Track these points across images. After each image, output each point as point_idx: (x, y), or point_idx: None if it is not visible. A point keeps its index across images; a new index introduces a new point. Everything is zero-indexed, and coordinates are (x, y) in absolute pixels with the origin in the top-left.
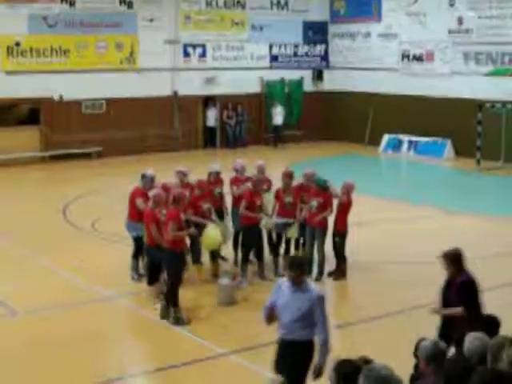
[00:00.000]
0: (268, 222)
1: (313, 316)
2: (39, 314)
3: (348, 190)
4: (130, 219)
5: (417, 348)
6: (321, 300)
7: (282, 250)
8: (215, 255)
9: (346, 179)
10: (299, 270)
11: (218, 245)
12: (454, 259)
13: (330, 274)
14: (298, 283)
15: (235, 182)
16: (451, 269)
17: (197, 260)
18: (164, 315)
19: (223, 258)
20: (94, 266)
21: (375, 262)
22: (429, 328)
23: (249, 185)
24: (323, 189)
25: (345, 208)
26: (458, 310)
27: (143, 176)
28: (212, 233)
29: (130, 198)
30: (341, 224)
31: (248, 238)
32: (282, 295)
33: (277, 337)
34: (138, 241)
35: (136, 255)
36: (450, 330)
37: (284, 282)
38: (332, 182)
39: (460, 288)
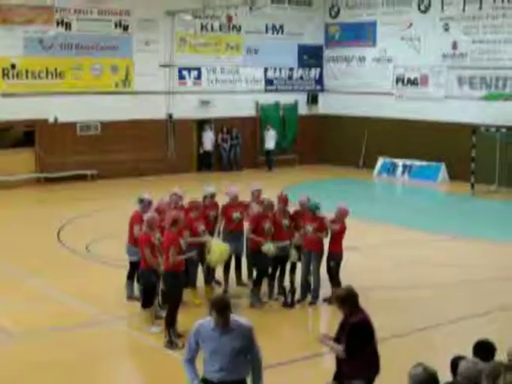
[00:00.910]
0: (271, 246)
1: (247, 351)
2: (34, 338)
3: (342, 215)
4: (129, 243)
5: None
6: (252, 331)
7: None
8: (210, 279)
9: (340, 204)
10: (228, 312)
11: (227, 256)
12: (344, 300)
13: (325, 300)
14: (226, 325)
15: (229, 209)
16: (343, 310)
17: (192, 284)
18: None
19: (217, 282)
20: (88, 289)
21: (369, 287)
22: (423, 353)
23: (258, 208)
24: (314, 212)
25: (338, 233)
26: (339, 348)
27: (141, 200)
28: (220, 245)
29: (130, 222)
30: (335, 248)
31: (260, 261)
32: (207, 340)
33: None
34: (135, 265)
35: (131, 277)
36: (339, 372)
37: (202, 326)
38: (326, 206)
39: (349, 330)
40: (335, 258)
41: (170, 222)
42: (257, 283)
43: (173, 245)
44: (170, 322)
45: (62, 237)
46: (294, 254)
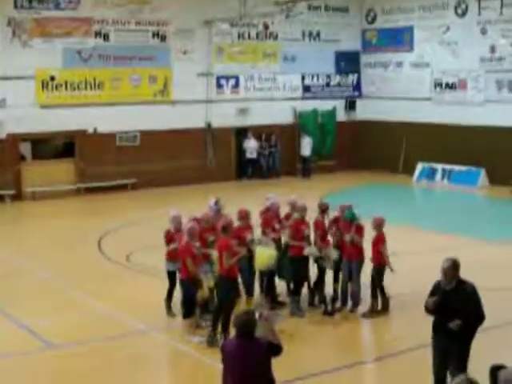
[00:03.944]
0: (312, 249)
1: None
2: (74, 347)
3: (378, 225)
4: None
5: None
6: None
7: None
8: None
9: (375, 214)
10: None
11: (273, 259)
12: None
13: (363, 315)
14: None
15: (271, 220)
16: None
17: (249, 293)
18: (211, 342)
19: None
20: (128, 299)
21: (412, 295)
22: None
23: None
24: (351, 220)
25: (376, 243)
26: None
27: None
28: (264, 250)
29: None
30: (376, 258)
31: (299, 269)
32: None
33: None
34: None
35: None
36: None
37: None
38: (366, 213)
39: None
40: (375, 267)
41: (221, 228)
42: (296, 292)
43: (226, 250)
44: (227, 327)
45: (102, 246)
46: (334, 252)
